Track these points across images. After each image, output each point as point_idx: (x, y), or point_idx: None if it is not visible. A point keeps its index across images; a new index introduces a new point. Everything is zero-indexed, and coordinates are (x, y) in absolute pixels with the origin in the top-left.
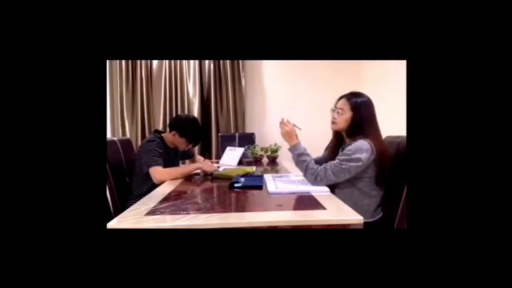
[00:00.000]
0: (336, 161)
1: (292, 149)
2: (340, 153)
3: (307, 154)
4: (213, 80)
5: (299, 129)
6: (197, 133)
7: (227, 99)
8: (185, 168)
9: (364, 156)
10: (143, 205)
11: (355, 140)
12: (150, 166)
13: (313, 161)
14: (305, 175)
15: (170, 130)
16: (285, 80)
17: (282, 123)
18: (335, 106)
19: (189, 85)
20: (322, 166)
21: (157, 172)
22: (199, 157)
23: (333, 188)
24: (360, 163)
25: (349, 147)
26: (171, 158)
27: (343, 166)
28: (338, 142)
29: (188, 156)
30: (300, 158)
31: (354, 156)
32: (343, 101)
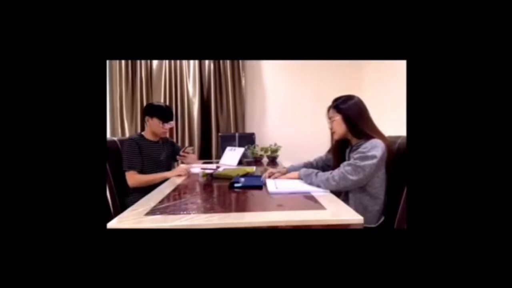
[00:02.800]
0: (351, 160)
1: (301, 176)
2: (354, 153)
3: (312, 170)
4: (213, 80)
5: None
6: (164, 108)
7: (227, 99)
8: (158, 175)
9: (379, 153)
10: (143, 205)
11: (366, 139)
12: (126, 169)
13: (321, 172)
14: (322, 185)
15: (144, 119)
16: (285, 80)
17: (271, 175)
18: (328, 118)
19: (189, 85)
20: (336, 169)
21: (131, 177)
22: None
23: (346, 192)
24: (374, 161)
25: (364, 145)
26: (159, 150)
27: (358, 164)
28: (342, 146)
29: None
30: (310, 175)
31: (369, 154)
32: (330, 110)
